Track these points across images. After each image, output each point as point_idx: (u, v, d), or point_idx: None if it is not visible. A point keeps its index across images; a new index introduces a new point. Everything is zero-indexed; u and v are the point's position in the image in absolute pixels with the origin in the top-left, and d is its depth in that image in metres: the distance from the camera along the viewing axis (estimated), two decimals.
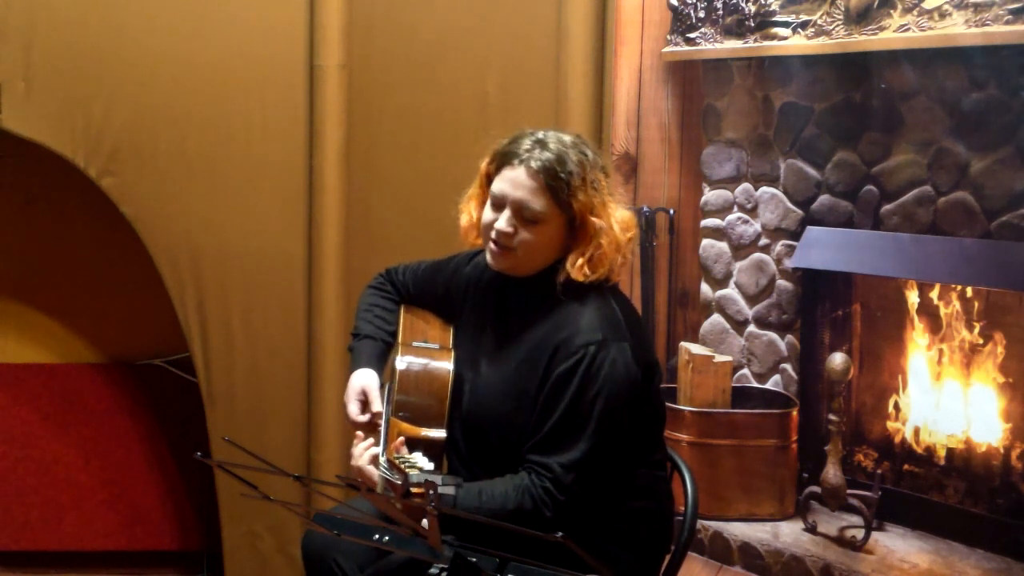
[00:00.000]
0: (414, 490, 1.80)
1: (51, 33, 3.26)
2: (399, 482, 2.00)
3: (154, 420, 3.78)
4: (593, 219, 2.16)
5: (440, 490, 1.92)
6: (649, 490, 2.27)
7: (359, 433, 2.21)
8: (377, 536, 1.84)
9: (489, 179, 2.23)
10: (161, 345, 3.71)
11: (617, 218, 2.20)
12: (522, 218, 2.16)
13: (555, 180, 2.14)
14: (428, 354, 2.31)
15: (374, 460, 2.13)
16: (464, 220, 2.32)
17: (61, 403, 3.76)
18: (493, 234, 2.19)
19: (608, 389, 2.10)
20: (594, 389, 2.10)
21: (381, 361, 2.40)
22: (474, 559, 1.70)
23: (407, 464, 2.07)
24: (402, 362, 2.29)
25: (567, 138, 2.21)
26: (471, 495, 2.09)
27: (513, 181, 2.17)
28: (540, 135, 2.21)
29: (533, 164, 2.15)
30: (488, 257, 2.23)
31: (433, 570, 1.76)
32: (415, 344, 2.34)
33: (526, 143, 2.19)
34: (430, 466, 2.06)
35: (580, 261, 2.17)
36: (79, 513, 3.77)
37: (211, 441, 3.43)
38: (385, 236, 3.38)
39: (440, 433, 2.22)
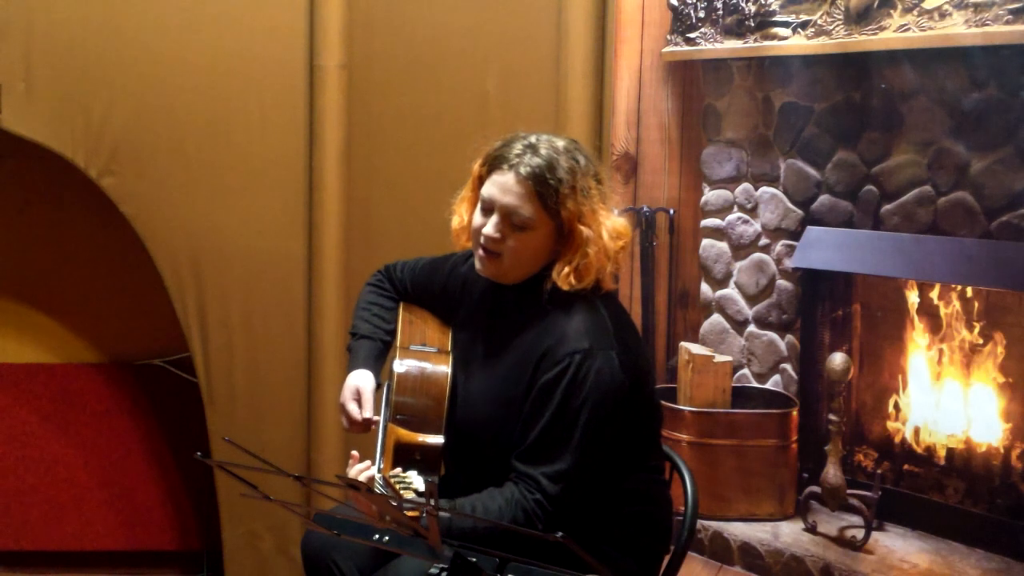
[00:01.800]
0: (409, 513, 1.79)
1: (51, 33, 3.26)
2: (394, 503, 1.98)
3: (154, 420, 3.78)
4: (581, 227, 2.14)
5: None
6: (646, 494, 2.26)
7: (354, 453, 2.17)
8: (377, 536, 1.84)
9: (481, 181, 2.21)
10: (161, 345, 3.71)
11: (608, 226, 2.17)
12: (510, 224, 2.14)
13: (544, 187, 2.12)
14: (425, 358, 2.30)
15: (370, 482, 2.11)
16: (455, 222, 2.30)
17: (61, 403, 3.76)
18: (481, 239, 2.17)
19: (594, 398, 2.08)
20: (579, 398, 2.08)
21: (378, 361, 2.39)
22: (474, 559, 1.70)
23: (403, 485, 2.05)
24: (400, 366, 2.27)
25: (560, 143, 2.18)
26: (465, 512, 2.08)
27: (502, 186, 2.14)
28: (532, 139, 2.18)
29: (522, 170, 2.13)
30: (476, 263, 2.22)
31: (433, 570, 1.76)
32: (413, 348, 2.33)
33: (517, 147, 2.16)
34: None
35: (566, 270, 2.14)
36: (79, 513, 3.77)
37: (211, 441, 3.43)
38: (385, 236, 3.38)
39: (438, 439, 2.20)
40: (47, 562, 3.79)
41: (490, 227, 2.15)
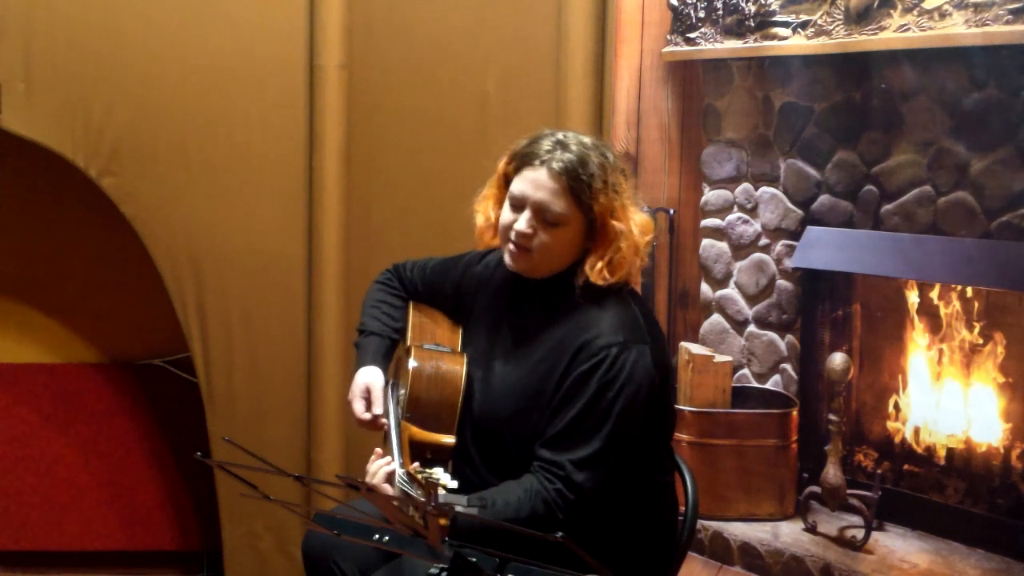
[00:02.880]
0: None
1: (51, 33, 3.27)
2: (420, 498, 1.98)
3: (154, 420, 3.78)
4: (613, 222, 2.15)
5: (465, 510, 1.93)
6: (660, 495, 2.27)
7: (378, 450, 2.18)
8: (377, 536, 1.84)
9: (507, 179, 2.22)
10: (161, 345, 3.71)
11: (636, 221, 2.19)
12: (542, 220, 2.15)
13: (577, 182, 2.13)
14: (439, 357, 2.30)
15: (389, 478, 2.11)
16: (480, 220, 2.31)
17: (61, 403, 3.76)
18: (512, 235, 2.17)
19: (628, 390, 2.10)
20: (614, 390, 2.09)
21: (386, 358, 2.39)
22: (474, 559, 1.70)
23: (430, 481, 2.05)
24: (414, 364, 2.27)
25: (588, 140, 2.20)
26: (486, 507, 2.07)
27: (534, 182, 2.15)
28: (560, 136, 2.19)
29: (555, 165, 2.14)
30: (506, 258, 2.22)
31: (433, 570, 1.76)
32: (426, 347, 2.33)
33: (547, 144, 2.17)
34: (453, 484, 2.03)
35: (600, 264, 2.15)
36: (79, 513, 3.77)
37: (211, 441, 3.43)
38: (385, 236, 3.38)
39: (449, 438, 2.21)
40: (47, 562, 3.79)
41: (522, 223, 2.15)
